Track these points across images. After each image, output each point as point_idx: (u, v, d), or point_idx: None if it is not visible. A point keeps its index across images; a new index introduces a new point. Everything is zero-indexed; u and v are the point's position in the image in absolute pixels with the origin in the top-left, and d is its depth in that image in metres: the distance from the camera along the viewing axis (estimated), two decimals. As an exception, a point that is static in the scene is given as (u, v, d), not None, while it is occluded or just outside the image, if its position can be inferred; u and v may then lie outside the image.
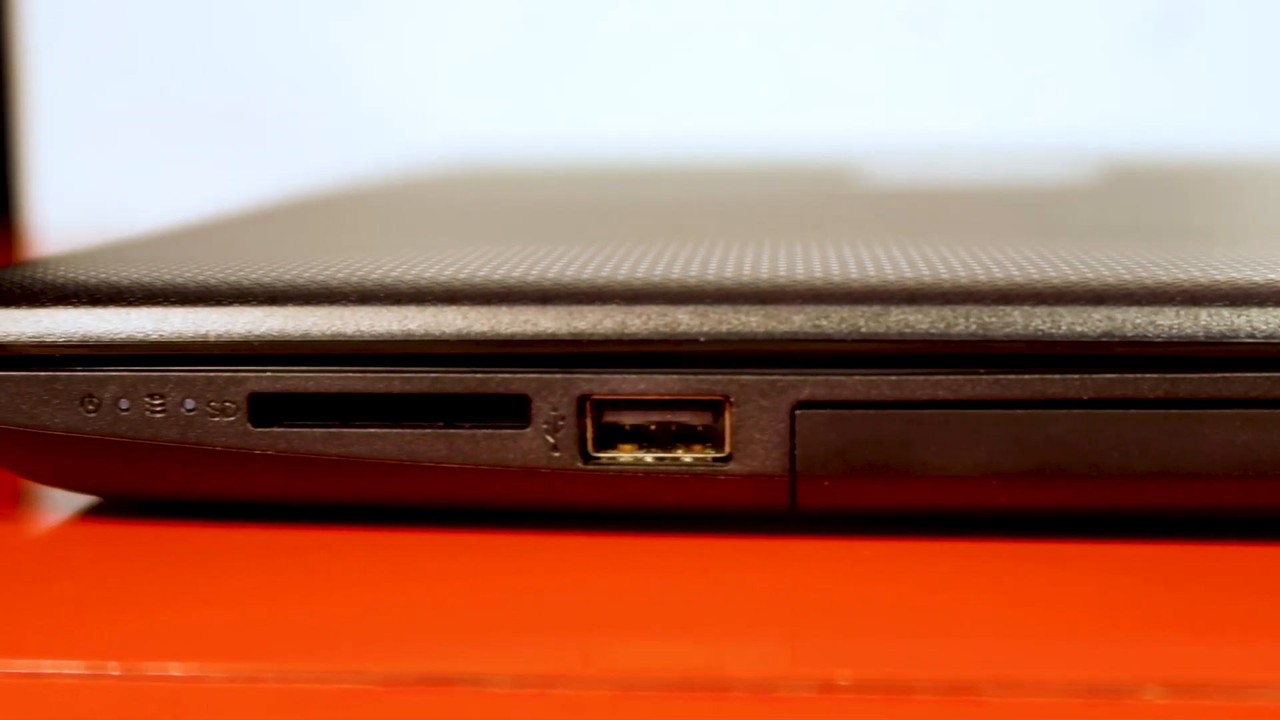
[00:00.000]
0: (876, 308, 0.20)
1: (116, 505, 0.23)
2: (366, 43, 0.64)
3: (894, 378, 0.20)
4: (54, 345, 0.21)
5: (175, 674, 0.17)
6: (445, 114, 0.64)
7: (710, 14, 0.62)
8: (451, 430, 0.21)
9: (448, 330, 0.20)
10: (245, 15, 0.64)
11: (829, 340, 0.20)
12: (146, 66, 0.66)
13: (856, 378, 0.20)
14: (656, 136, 0.61)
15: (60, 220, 0.65)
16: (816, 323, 0.20)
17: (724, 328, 0.20)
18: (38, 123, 0.66)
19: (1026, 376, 0.20)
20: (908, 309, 0.20)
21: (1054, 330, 0.20)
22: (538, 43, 0.63)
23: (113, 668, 0.17)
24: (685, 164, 0.50)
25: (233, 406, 0.21)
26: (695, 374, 0.21)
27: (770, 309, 0.20)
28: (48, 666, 0.17)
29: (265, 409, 0.21)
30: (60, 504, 0.23)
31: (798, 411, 0.20)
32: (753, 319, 0.20)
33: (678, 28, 0.62)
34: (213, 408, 0.21)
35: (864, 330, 0.20)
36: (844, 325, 0.20)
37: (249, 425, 0.21)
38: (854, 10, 0.61)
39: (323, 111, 0.64)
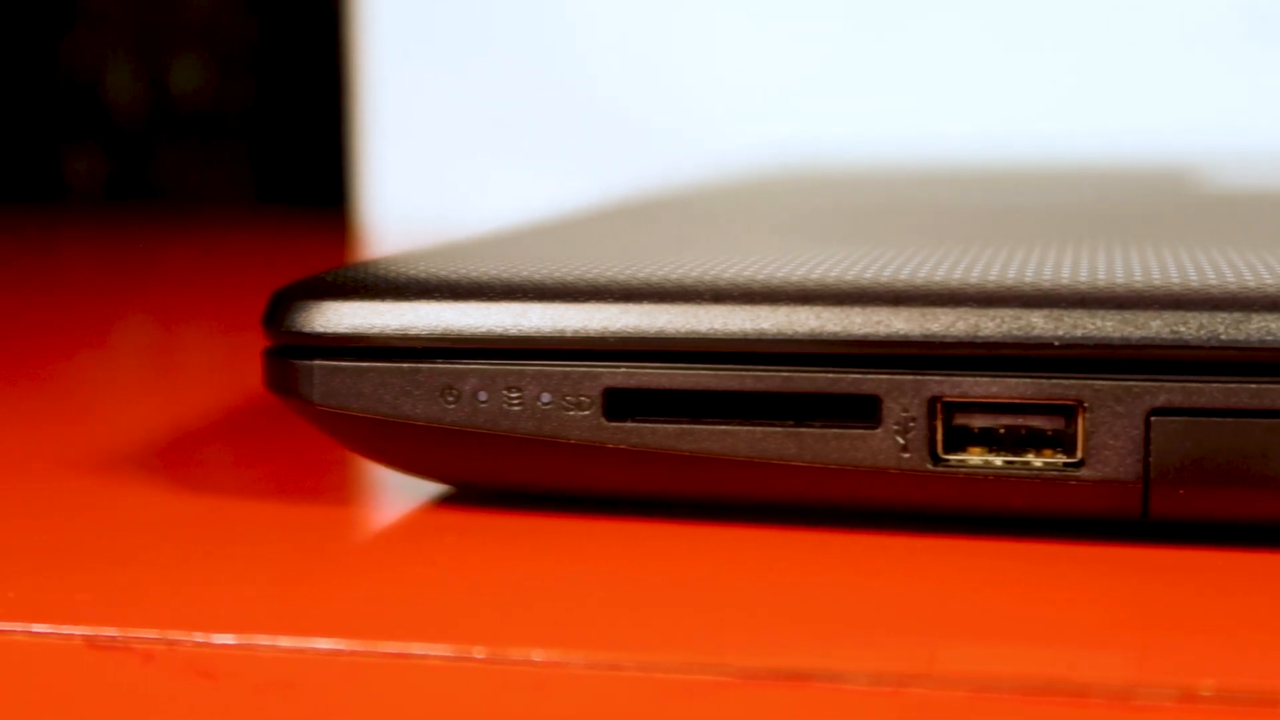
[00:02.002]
0: (1236, 314, 0.20)
1: (467, 494, 0.24)
2: (689, 49, 0.65)
3: (1254, 386, 0.20)
4: (416, 338, 0.22)
5: (537, 659, 0.18)
6: (763, 119, 0.64)
7: (1039, 14, 0.61)
8: (801, 429, 0.21)
9: (800, 330, 0.21)
10: (575, 20, 0.66)
11: (1187, 347, 0.20)
12: (473, 69, 0.67)
13: (1215, 385, 0.20)
14: (982, 140, 0.60)
15: (392, 218, 0.67)
16: (1174, 329, 0.20)
17: (1079, 332, 0.20)
18: (374, 123, 0.68)
19: (1394, 387, 0.20)
20: (1269, 316, 0.20)
21: None
22: (852, 48, 0.63)
23: (478, 652, 0.18)
24: (1015, 167, 0.50)
25: (588, 401, 0.21)
26: (1048, 378, 0.20)
27: (1126, 314, 0.20)
28: (416, 648, 0.18)
29: (619, 404, 0.21)
30: (413, 492, 0.24)
31: (1153, 418, 0.20)
32: (1108, 324, 0.20)
33: (1004, 30, 0.62)
34: (568, 402, 0.21)
35: (1223, 337, 0.20)
36: (1203, 332, 0.20)
37: (603, 420, 0.21)
38: (1192, 13, 0.60)
39: (641, 116, 0.65)
